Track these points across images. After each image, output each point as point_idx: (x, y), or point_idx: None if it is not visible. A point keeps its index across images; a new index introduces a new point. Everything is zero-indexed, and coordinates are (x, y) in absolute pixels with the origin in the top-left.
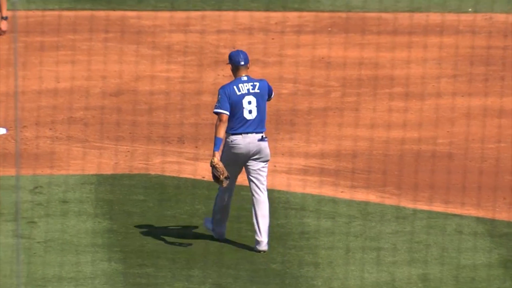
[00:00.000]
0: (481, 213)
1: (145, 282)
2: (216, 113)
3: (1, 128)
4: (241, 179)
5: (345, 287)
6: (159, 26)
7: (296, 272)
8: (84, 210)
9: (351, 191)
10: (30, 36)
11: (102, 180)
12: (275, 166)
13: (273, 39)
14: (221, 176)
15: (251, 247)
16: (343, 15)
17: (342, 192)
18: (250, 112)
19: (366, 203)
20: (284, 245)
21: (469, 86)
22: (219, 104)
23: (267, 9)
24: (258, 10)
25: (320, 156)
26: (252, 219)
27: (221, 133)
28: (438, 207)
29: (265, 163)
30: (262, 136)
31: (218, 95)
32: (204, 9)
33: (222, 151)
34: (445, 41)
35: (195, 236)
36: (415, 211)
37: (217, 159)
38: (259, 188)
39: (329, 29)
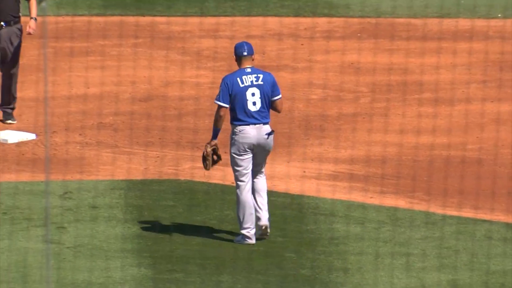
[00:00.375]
0: (510, 219)
1: (174, 287)
2: (217, 104)
3: (31, 134)
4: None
5: None
6: (188, 32)
7: (326, 278)
8: (113, 215)
9: (380, 196)
10: (60, 41)
11: (131, 186)
12: (304, 171)
13: (302, 44)
14: (207, 162)
15: (281, 253)
16: (373, 20)
17: (371, 197)
18: (254, 103)
19: (396, 209)
20: (314, 251)
21: (498, 91)
22: (219, 96)
23: (296, 15)
24: (288, 15)
25: (349, 161)
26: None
27: (219, 124)
28: (467, 213)
29: (268, 154)
30: (268, 128)
31: (220, 86)
32: (233, 15)
33: (231, 145)
34: (475, 46)
35: (224, 241)
36: (444, 217)
37: (213, 143)
38: (259, 175)
39: (358, 34)
